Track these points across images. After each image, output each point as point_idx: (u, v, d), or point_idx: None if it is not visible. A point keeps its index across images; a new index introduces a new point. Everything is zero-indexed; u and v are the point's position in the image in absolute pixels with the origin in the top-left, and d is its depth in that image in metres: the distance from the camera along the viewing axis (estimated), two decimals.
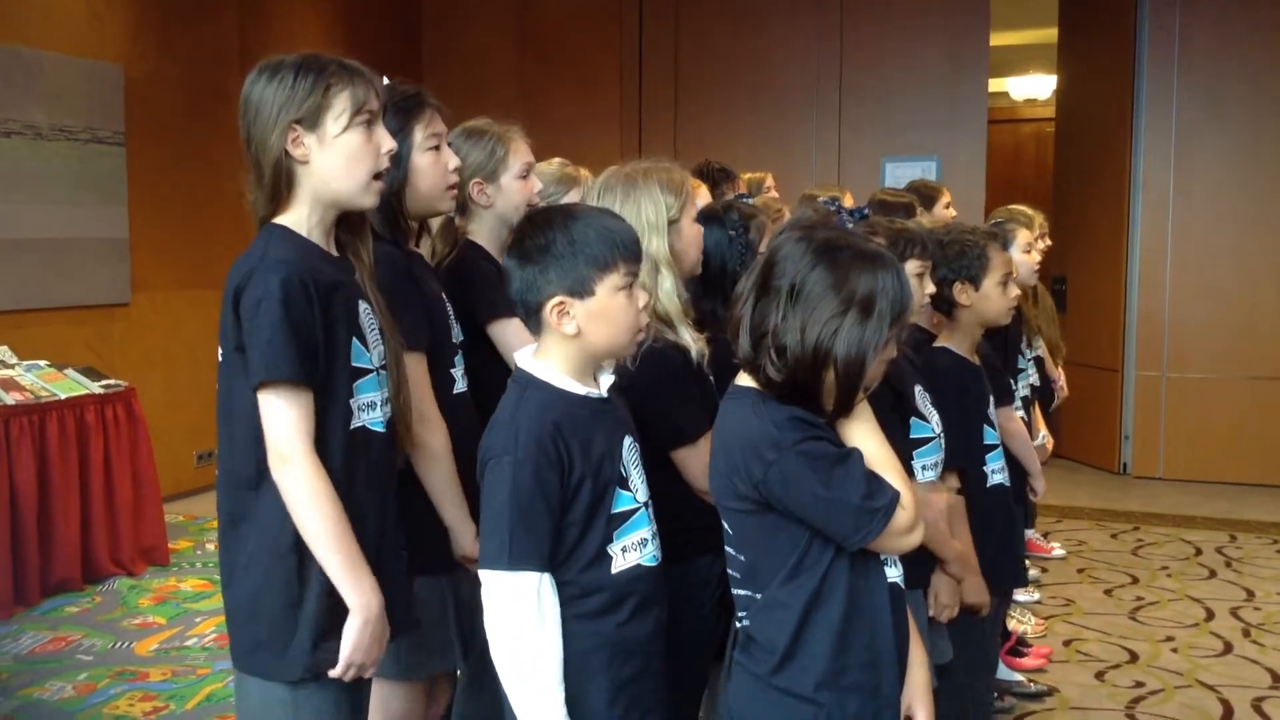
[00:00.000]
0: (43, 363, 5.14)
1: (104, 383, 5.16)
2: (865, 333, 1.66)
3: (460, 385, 2.34)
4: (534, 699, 1.74)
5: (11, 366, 5.01)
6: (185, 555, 5.41)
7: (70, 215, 5.84)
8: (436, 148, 2.29)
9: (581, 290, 1.81)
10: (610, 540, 1.82)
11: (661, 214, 2.24)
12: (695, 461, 2.18)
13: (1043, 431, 4.17)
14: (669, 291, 2.22)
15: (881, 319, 1.67)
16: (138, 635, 4.36)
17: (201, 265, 6.56)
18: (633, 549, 1.85)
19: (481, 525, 1.80)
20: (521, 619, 1.74)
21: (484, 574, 1.76)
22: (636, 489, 1.87)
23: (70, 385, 5.01)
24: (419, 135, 2.27)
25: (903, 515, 1.67)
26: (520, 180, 2.59)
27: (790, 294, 1.67)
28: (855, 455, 1.68)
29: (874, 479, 1.67)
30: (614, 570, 1.82)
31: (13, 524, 4.54)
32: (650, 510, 1.90)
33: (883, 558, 1.74)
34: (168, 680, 3.91)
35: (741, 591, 1.76)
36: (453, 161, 2.33)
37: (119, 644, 4.26)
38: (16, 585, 4.56)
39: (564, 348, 1.84)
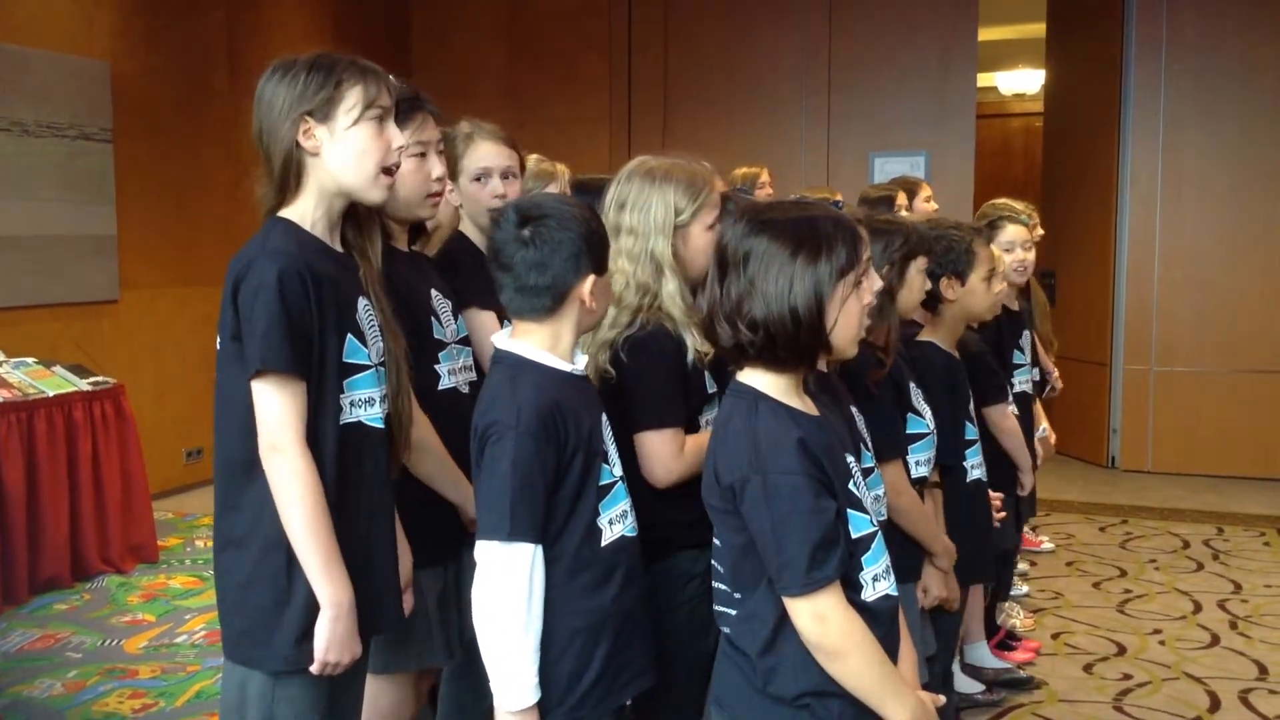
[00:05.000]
0: (31, 360, 5.12)
1: (92, 380, 5.16)
2: (818, 273, 1.67)
3: (447, 381, 2.34)
4: (512, 668, 1.79)
5: None
6: (174, 552, 5.40)
7: (58, 213, 5.83)
8: (422, 155, 2.28)
9: (603, 268, 1.95)
10: (598, 513, 1.88)
11: (670, 217, 2.26)
12: (652, 449, 2.18)
13: (1043, 425, 4.17)
14: (672, 293, 2.23)
15: (831, 257, 1.68)
16: (127, 632, 4.35)
17: (190, 262, 6.55)
18: (617, 521, 1.92)
19: (480, 498, 1.84)
20: (514, 589, 1.78)
21: (482, 544, 1.81)
22: (614, 463, 1.94)
23: (58, 383, 5.00)
24: (405, 139, 2.27)
25: (830, 620, 1.63)
26: (474, 183, 2.62)
27: (743, 264, 1.69)
28: (826, 512, 1.64)
29: (827, 549, 1.62)
30: (604, 543, 1.88)
31: (1, 522, 4.53)
32: (625, 483, 1.97)
33: (865, 572, 1.72)
34: (157, 678, 3.90)
35: (721, 586, 1.77)
36: (437, 170, 2.32)
37: (108, 641, 4.26)
38: (5, 583, 4.55)
39: (563, 326, 1.91)
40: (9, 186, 5.57)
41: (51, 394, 4.87)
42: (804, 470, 1.64)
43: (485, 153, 2.62)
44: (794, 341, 1.68)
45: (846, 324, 1.72)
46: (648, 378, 2.18)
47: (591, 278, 1.90)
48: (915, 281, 2.60)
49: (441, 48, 8.39)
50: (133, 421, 5.21)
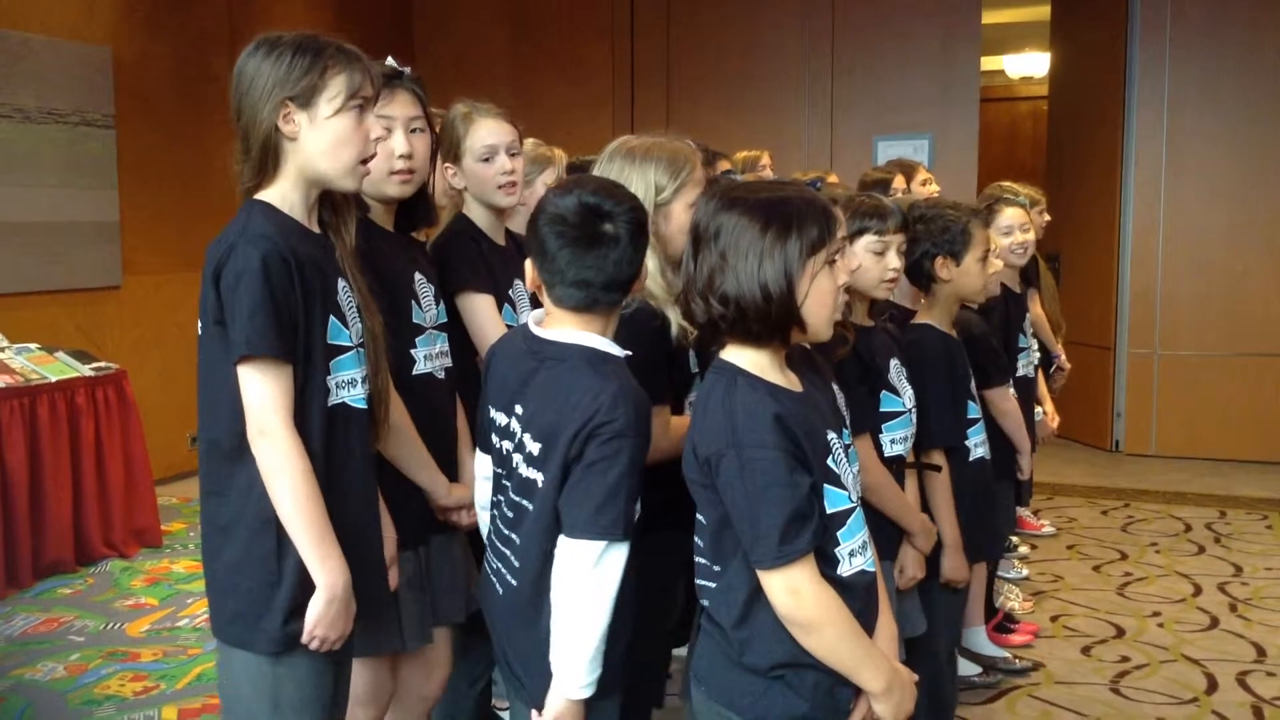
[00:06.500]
0: (33, 346, 5.14)
1: (94, 365, 5.17)
2: (787, 250, 1.68)
3: (423, 366, 2.32)
4: (592, 660, 1.81)
5: (2, 350, 5.02)
6: (178, 537, 5.43)
7: (60, 198, 5.84)
8: (386, 130, 2.21)
9: None
10: None
11: (650, 195, 2.25)
12: None
13: (1039, 408, 4.16)
14: (652, 271, 2.22)
15: (801, 234, 1.68)
16: (129, 616, 4.38)
17: (192, 247, 6.53)
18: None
19: (587, 496, 1.80)
20: (612, 586, 1.81)
21: (591, 544, 1.79)
22: None
23: (61, 368, 5.02)
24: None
25: (803, 593, 1.65)
26: (481, 163, 2.59)
27: (714, 240, 1.71)
28: (800, 486, 1.65)
29: (801, 523, 1.64)
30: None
31: (5, 506, 4.56)
32: None
33: (841, 547, 1.74)
34: (159, 660, 3.93)
35: (702, 560, 1.79)
36: (401, 147, 2.26)
37: (111, 625, 4.29)
38: (9, 567, 4.58)
39: (615, 316, 1.93)
40: (11, 173, 5.59)
41: (54, 379, 4.89)
42: (779, 445, 1.65)
43: (488, 130, 2.60)
44: (765, 316, 1.69)
45: (819, 301, 1.71)
46: (633, 356, 2.18)
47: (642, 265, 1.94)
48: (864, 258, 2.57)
49: (443, 32, 8.37)
50: (135, 406, 5.23)
